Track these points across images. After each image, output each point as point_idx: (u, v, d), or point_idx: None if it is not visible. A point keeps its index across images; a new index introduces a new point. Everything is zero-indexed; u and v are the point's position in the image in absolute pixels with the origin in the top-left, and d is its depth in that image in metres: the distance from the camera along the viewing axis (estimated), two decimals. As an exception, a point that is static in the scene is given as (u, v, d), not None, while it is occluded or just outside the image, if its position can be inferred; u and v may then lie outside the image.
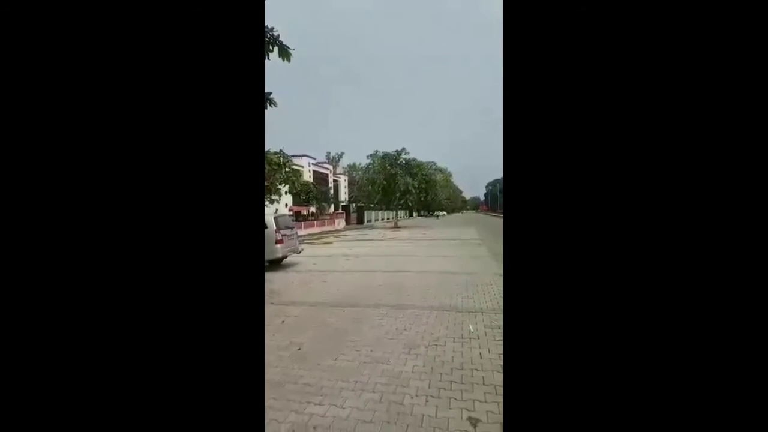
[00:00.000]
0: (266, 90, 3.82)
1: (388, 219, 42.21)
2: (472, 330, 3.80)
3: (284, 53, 3.48)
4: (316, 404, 2.44)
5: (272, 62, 3.54)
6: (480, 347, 3.34)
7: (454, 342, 3.48)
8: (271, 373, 2.86)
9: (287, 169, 20.02)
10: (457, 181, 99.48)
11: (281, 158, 19.81)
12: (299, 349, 3.43)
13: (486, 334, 3.66)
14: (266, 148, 19.74)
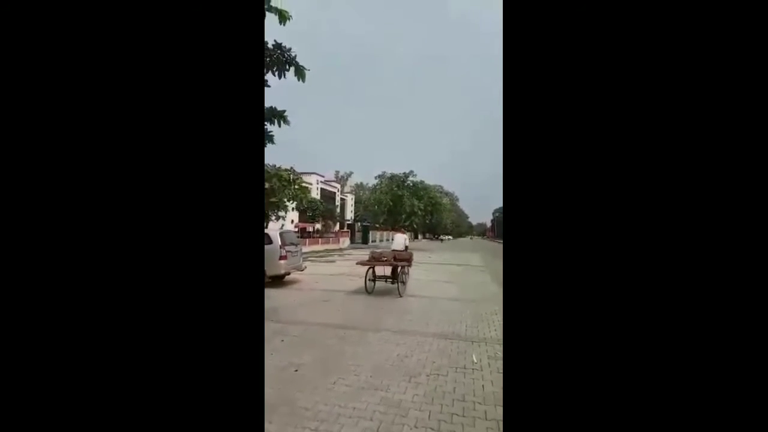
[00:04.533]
0: (281, 108, 3.89)
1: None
2: (475, 360, 3.69)
3: (300, 73, 3.55)
4: (311, 429, 2.35)
5: (287, 78, 3.62)
6: (483, 379, 3.22)
7: (456, 372, 3.37)
8: (266, 395, 2.76)
9: (296, 186, 20.18)
10: (465, 207, 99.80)
11: (291, 175, 20.04)
12: (296, 370, 3.34)
13: (489, 365, 3.54)
14: (278, 165, 20.03)
